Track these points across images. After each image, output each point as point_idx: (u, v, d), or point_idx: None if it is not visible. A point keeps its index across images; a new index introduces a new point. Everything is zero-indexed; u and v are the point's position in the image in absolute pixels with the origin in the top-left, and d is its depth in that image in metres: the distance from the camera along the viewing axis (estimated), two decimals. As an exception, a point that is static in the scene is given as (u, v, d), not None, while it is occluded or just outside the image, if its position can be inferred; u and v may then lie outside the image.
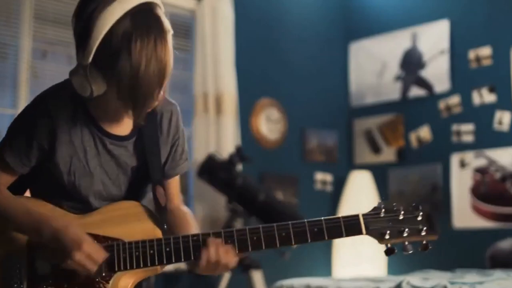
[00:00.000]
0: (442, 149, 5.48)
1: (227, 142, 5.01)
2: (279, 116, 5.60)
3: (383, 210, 1.93)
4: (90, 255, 1.78)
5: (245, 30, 5.37)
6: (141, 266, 1.84)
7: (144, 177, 1.99)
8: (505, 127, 5.18)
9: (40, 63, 4.74)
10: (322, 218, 1.88)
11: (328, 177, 5.88)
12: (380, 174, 5.76)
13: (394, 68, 5.85)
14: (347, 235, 1.88)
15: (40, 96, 1.94)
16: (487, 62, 5.31)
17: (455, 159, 5.39)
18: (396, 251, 1.91)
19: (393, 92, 5.83)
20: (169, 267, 3.31)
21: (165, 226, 1.92)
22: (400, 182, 5.71)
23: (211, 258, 1.81)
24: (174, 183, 2.09)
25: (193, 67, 5.15)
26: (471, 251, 5.10)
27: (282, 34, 5.73)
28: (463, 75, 5.44)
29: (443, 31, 5.56)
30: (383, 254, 1.93)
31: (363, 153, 5.99)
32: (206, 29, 5.11)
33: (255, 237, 1.84)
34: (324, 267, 5.59)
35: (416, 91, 5.69)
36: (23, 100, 4.53)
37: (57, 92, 1.95)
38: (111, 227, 1.89)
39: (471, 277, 3.80)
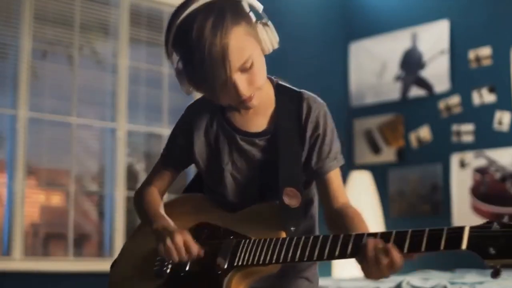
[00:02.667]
0: (442, 149, 5.48)
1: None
2: (279, 116, 5.60)
3: (496, 224, 1.64)
4: (180, 246, 1.87)
5: (245, 30, 5.37)
6: (260, 262, 1.83)
7: (276, 175, 1.97)
8: (505, 127, 5.18)
9: (40, 63, 4.74)
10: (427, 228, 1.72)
11: (328, 177, 5.87)
12: (380, 174, 5.76)
13: (394, 68, 5.85)
14: (446, 248, 1.69)
15: (189, 106, 2.11)
16: (487, 62, 5.32)
17: (455, 159, 5.39)
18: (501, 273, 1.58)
19: (393, 92, 5.83)
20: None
21: (292, 229, 1.88)
22: (400, 182, 5.71)
23: (370, 256, 1.67)
24: (333, 181, 2.01)
25: (193, 67, 5.15)
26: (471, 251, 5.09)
27: (282, 34, 5.70)
28: (463, 75, 5.44)
29: (443, 31, 5.56)
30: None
31: (363, 153, 5.99)
32: (206, 29, 5.11)
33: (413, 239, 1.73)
34: (324, 267, 5.58)
35: (416, 91, 5.69)
36: (23, 100, 4.53)
37: (198, 99, 2.09)
38: (244, 225, 1.93)
39: (471, 277, 3.80)
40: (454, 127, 5.43)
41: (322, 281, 3.97)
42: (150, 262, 2.01)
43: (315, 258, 1.76)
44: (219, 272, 1.87)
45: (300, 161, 1.98)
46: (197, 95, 2.04)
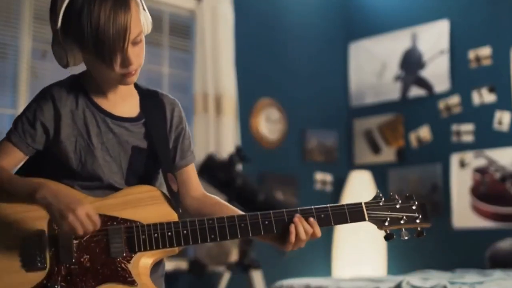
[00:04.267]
0: (442, 149, 5.48)
1: (227, 142, 5.01)
2: (279, 116, 5.61)
3: (382, 199, 2.11)
4: (83, 219, 1.83)
5: (245, 30, 5.38)
6: (160, 247, 1.93)
7: (151, 161, 2.06)
8: (505, 127, 5.18)
9: (39, 63, 4.74)
10: (328, 205, 2.11)
11: (328, 177, 5.88)
12: (380, 174, 5.76)
13: (394, 68, 5.85)
14: (352, 221, 2.08)
15: (45, 87, 2.04)
16: (487, 62, 5.32)
17: (455, 159, 5.39)
18: (395, 236, 2.07)
19: (393, 92, 5.83)
20: (168, 267, 3.32)
21: (180, 211, 2.00)
22: (400, 182, 5.71)
23: (300, 232, 2.02)
24: (191, 172, 2.16)
25: (193, 67, 5.16)
26: (470, 251, 5.10)
27: (282, 34, 5.74)
28: (463, 75, 5.44)
29: (443, 31, 5.56)
30: (383, 239, 2.11)
31: (363, 153, 5.99)
32: (206, 29, 5.11)
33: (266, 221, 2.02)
34: (324, 267, 5.60)
35: (416, 91, 5.69)
36: (23, 100, 4.53)
37: (61, 81, 2.05)
38: (128, 210, 1.96)
39: (470, 277, 3.80)
40: (454, 127, 5.43)
41: (322, 281, 3.98)
42: (16, 250, 1.90)
43: (233, 237, 1.99)
44: (119, 259, 1.91)
45: (169, 148, 2.09)
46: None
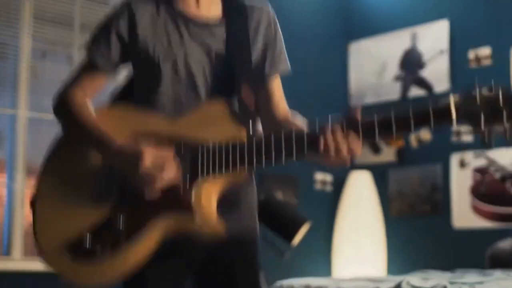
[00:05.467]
0: (442, 149, 5.48)
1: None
2: (279, 116, 5.60)
3: (476, 91, 1.76)
4: (156, 163, 1.75)
5: (245, 30, 5.37)
6: (223, 170, 1.77)
7: (233, 69, 1.92)
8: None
9: (39, 63, 4.74)
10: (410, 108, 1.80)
11: (328, 177, 5.87)
12: (380, 174, 5.75)
13: (393, 68, 5.85)
14: (435, 125, 1.75)
15: None
16: (486, 62, 5.31)
17: (455, 159, 5.39)
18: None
19: (392, 92, 5.83)
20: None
21: (252, 128, 1.83)
22: (400, 182, 5.71)
23: (329, 145, 1.74)
24: (276, 88, 2.00)
25: (193, 67, 5.15)
26: (470, 251, 5.09)
27: (282, 34, 5.72)
28: (462, 75, 5.43)
29: (442, 31, 5.56)
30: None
31: (362, 153, 5.94)
32: (206, 29, 5.11)
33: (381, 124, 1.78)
34: (324, 267, 5.59)
35: (416, 91, 5.69)
36: (23, 100, 4.53)
37: None
38: (198, 129, 1.81)
39: (470, 277, 3.80)
40: (454, 127, 5.42)
41: (322, 281, 3.98)
42: (87, 183, 1.86)
43: (283, 159, 1.74)
44: (181, 186, 1.78)
45: (250, 58, 1.93)
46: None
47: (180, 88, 1.88)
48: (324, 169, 5.86)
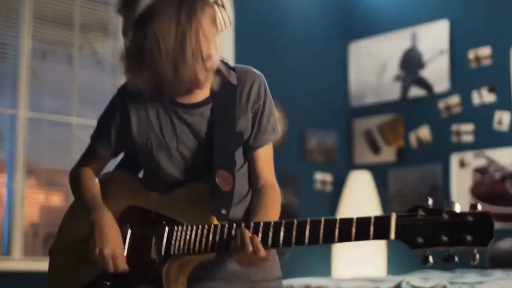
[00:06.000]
0: (441, 149, 5.48)
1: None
2: (279, 116, 5.58)
3: (421, 210, 1.64)
4: (107, 259, 1.91)
5: (244, 30, 5.37)
6: (191, 252, 1.86)
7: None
8: (504, 127, 5.18)
9: (39, 63, 4.74)
10: (354, 217, 1.71)
11: (328, 177, 5.87)
12: (380, 174, 5.75)
13: (393, 68, 5.85)
14: (375, 237, 1.69)
15: (120, 86, 2.07)
16: (486, 62, 5.31)
17: (454, 159, 5.39)
18: (456, 259, 1.62)
19: (392, 92, 5.83)
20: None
21: (223, 211, 1.90)
22: (400, 182, 5.71)
23: (237, 249, 1.80)
24: (260, 158, 2.04)
25: (193, 67, 5.15)
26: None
27: (281, 34, 5.73)
28: (462, 75, 5.44)
29: (442, 31, 5.56)
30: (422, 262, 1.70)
31: (362, 153, 5.98)
32: (206, 29, 5.11)
33: (284, 232, 1.77)
34: (323, 267, 5.59)
35: (415, 91, 5.69)
36: (23, 100, 4.53)
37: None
38: (178, 209, 1.92)
39: (470, 277, 3.80)
40: (454, 127, 5.43)
41: (322, 281, 3.98)
42: (87, 246, 1.98)
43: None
44: (156, 261, 1.89)
45: (234, 139, 1.97)
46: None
47: (175, 170, 2.00)
48: (324, 169, 5.86)
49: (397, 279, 3.67)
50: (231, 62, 5.79)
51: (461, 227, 1.60)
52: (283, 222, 1.78)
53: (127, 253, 1.94)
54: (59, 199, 5.00)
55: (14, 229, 4.45)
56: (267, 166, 2.06)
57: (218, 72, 1.98)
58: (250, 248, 1.76)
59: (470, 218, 1.60)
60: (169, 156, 1.99)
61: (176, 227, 1.89)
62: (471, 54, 5.39)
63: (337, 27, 6.12)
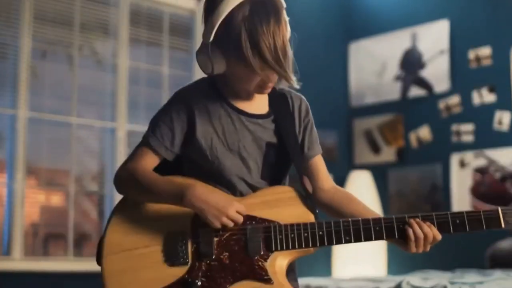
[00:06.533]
0: (442, 149, 5.48)
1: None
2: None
3: None
4: (235, 218, 1.95)
5: (245, 30, 5.37)
6: (296, 247, 1.97)
7: (283, 157, 2.12)
8: (505, 127, 5.18)
9: (40, 63, 4.74)
10: (464, 211, 2.00)
11: (328, 177, 5.87)
12: (380, 174, 5.76)
13: (394, 68, 5.85)
14: (487, 227, 1.98)
15: (178, 90, 2.14)
16: (487, 62, 5.32)
17: (455, 159, 5.39)
18: None
19: (393, 92, 5.83)
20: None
21: (317, 211, 2.04)
22: (400, 182, 5.71)
23: (419, 235, 2.02)
24: (320, 164, 2.20)
25: (193, 67, 5.16)
26: (471, 251, 5.10)
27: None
28: (463, 75, 5.44)
29: (443, 31, 5.56)
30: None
31: (363, 153, 5.99)
32: (206, 29, 5.11)
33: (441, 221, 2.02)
34: (324, 267, 5.59)
35: (416, 91, 5.69)
36: (23, 100, 4.53)
37: (194, 83, 2.16)
38: (267, 210, 2.02)
39: (471, 277, 3.80)
40: (454, 127, 5.43)
41: (322, 281, 3.98)
42: (159, 245, 2.00)
43: (362, 240, 1.99)
44: (256, 257, 1.96)
45: (299, 149, 2.16)
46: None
47: (237, 173, 2.06)
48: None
49: (397, 279, 3.67)
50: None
51: None
52: (434, 213, 2.02)
53: (216, 251, 1.98)
54: (59, 199, 5.00)
55: (14, 229, 4.45)
56: (327, 172, 2.22)
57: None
58: (431, 235, 2.02)
59: None
60: (232, 159, 2.05)
61: (273, 225, 1.98)
62: (471, 54, 5.39)
63: (337, 27, 6.13)
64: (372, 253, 5.39)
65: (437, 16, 5.61)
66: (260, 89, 2.04)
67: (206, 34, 1.95)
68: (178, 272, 1.97)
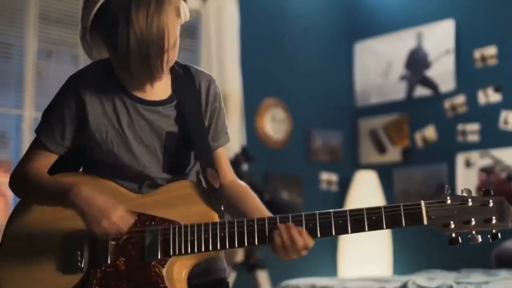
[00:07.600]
0: (447, 148, 5.47)
1: (232, 142, 5.00)
2: (284, 116, 5.60)
3: (448, 198, 1.83)
4: (118, 224, 1.78)
5: (250, 30, 5.37)
6: (195, 251, 1.81)
7: (186, 145, 1.94)
8: (510, 126, 5.17)
9: (45, 63, 4.74)
10: (382, 206, 1.83)
11: (333, 177, 5.87)
12: (385, 174, 5.75)
13: (399, 67, 5.84)
14: (407, 225, 1.83)
15: (71, 75, 1.98)
16: (492, 62, 5.30)
17: (460, 159, 5.38)
18: (461, 241, 1.82)
19: (398, 92, 5.83)
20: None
21: (222, 208, 1.87)
22: (405, 182, 5.70)
23: (286, 241, 1.80)
24: (223, 156, 2.02)
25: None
26: (476, 251, 5.07)
27: (287, 34, 5.73)
28: (468, 75, 5.43)
29: (448, 30, 5.55)
30: (447, 244, 1.86)
31: (368, 153, 5.98)
32: (211, 29, 5.11)
33: (323, 222, 1.83)
34: (329, 267, 5.59)
35: (421, 91, 5.68)
36: (28, 100, 4.53)
37: (87, 67, 1.99)
38: (167, 209, 1.85)
39: (476, 277, 3.79)
40: (460, 127, 5.42)
41: (327, 281, 3.97)
42: (53, 251, 1.86)
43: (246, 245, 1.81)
44: (153, 263, 1.80)
45: (207, 137, 1.96)
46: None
47: (137, 166, 1.90)
48: (329, 169, 5.86)
49: (403, 279, 3.67)
50: (237, 63, 5.79)
51: (486, 211, 1.82)
52: (317, 213, 1.83)
53: (113, 256, 1.83)
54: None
55: (20, 229, 4.45)
56: (229, 165, 2.04)
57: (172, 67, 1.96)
58: (301, 242, 1.81)
59: (491, 204, 1.82)
60: (129, 152, 1.90)
61: (173, 226, 1.82)
62: (477, 54, 5.38)
63: (342, 27, 6.12)
64: (377, 253, 5.38)
65: (443, 16, 5.60)
66: (149, 77, 1.87)
67: (83, 18, 1.84)
68: (72, 280, 1.82)
